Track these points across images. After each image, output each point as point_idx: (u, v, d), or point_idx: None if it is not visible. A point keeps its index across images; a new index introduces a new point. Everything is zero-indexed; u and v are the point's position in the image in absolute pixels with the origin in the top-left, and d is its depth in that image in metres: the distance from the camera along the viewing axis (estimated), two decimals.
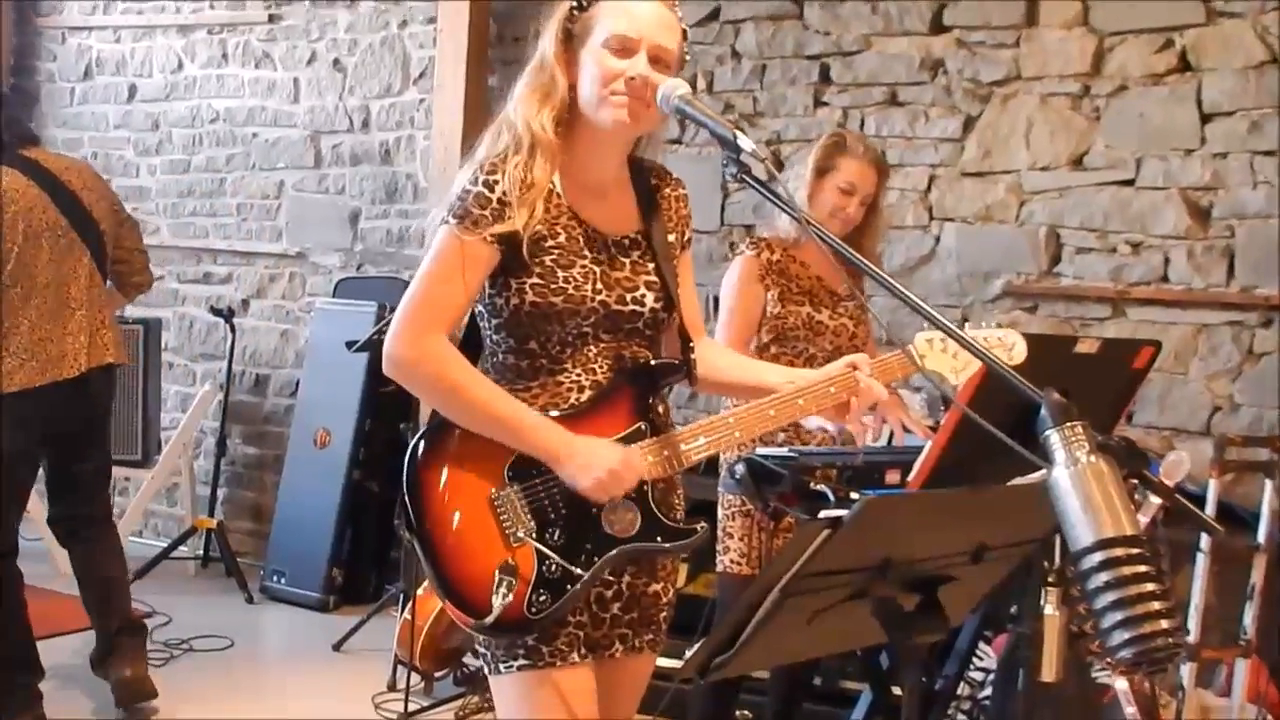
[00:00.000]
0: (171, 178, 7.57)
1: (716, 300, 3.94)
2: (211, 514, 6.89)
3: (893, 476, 3.26)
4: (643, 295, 2.43)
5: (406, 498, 2.36)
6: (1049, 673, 2.44)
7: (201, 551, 6.88)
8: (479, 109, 6.07)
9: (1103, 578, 1.62)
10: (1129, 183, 5.10)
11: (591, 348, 2.41)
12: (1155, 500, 3.26)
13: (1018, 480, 2.14)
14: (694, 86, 2.37)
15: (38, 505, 5.37)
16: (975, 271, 5.39)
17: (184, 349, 7.54)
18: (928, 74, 5.47)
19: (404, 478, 2.37)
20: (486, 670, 2.43)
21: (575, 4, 2.40)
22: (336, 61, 7.01)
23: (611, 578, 2.43)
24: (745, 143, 2.20)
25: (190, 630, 5.50)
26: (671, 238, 2.55)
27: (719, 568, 3.81)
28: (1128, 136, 5.09)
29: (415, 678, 4.83)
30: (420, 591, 4.78)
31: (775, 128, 5.78)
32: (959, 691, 3.88)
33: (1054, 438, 1.71)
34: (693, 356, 2.51)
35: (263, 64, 7.27)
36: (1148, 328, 4.99)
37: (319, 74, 7.07)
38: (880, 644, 3.16)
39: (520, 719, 2.39)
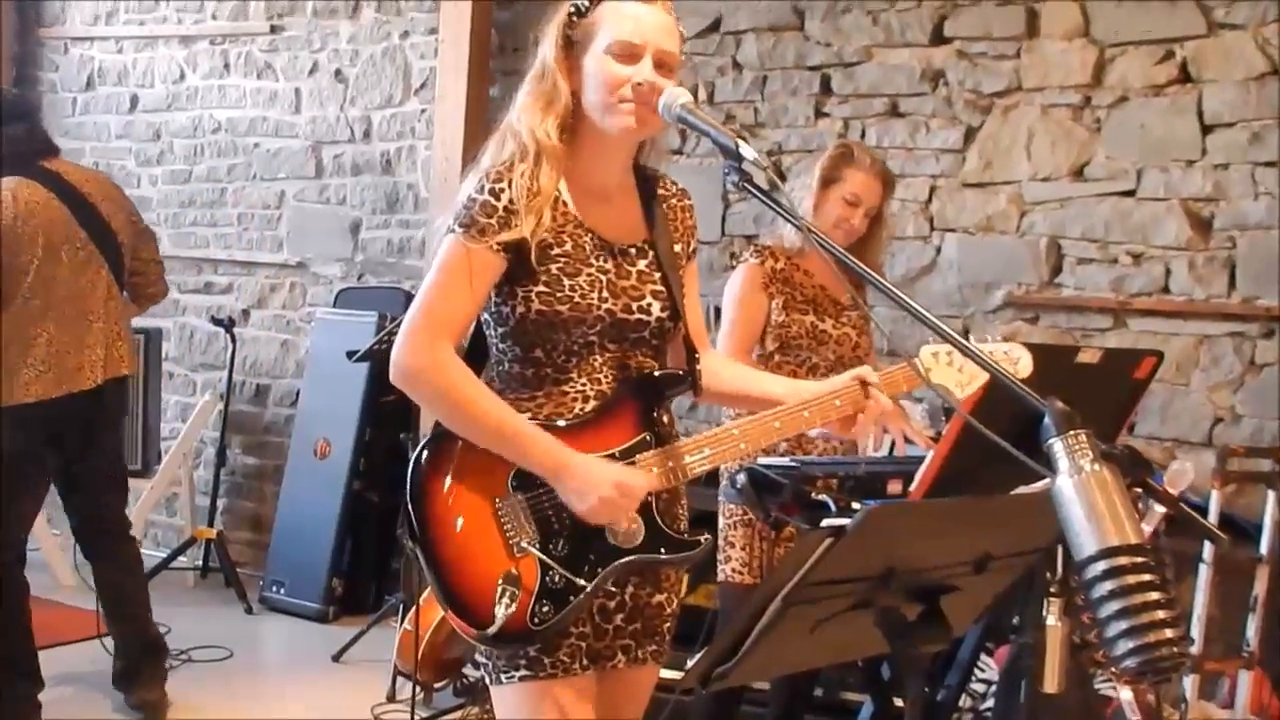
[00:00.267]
0: (173, 188, 7.57)
1: (718, 310, 3.94)
2: (211, 524, 6.87)
3: (894, 486, 3.25)
4: (649, 304, 2.43)
5: (410, 507, 2.35)
6: (1051, 684, 2.43)
7: (201, 562, 6.87)
8: (480, 119, 6.07)
9: (1107, 587, 1.62)
10: (1130, 193, 5.10)
11: (597, 357, 2.40)
12: (1159, 509, 3.25)
13: (1021, 489, 2.13)
14: (695, 97, 2.37)
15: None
16: (976, 282, 5.39)
17: (184, 359, 7.53)
18: (929, 85, 5.48)
19: (407, 486, 2.36)
20: (488, 680, 2.42)
21: (574, 9, 2.39)
22: (338, 72, 7.01)
23: (615, 589, 2.42)
24: (747, 151, 2.19)
25: (190, 641, 5.49)
26: (677, 247, 2.54)
27: (720, 577, 3.80)
28: (1129, 147, 5.09)
29: (416, 687, 4.81)
30: (420, 601, 4.76)
31: (776, 138, 5.78)
32: (961, 703, 3.87)
33: (1058, 446, 1.71)
34: (698, 367, 2.51)
35: (264, 74, 7.27)
36: (1149, 339, 4.99)
37: (320, 84, 7.07)
38: (882, 655, 3.15)
39: None
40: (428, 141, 6.62)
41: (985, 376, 2.10)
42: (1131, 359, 3.12)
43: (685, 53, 2.49)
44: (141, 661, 4.69)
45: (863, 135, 5.57)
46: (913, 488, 2.94)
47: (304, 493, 6.53)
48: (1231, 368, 4.93)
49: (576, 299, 2.35)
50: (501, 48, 6.37)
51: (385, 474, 6.39)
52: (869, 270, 2.15)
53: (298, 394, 6.92)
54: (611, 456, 2.36)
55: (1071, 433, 1.71)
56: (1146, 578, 1.62)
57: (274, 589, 6.46)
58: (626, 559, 2.34)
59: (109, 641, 4.83)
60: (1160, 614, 1.61)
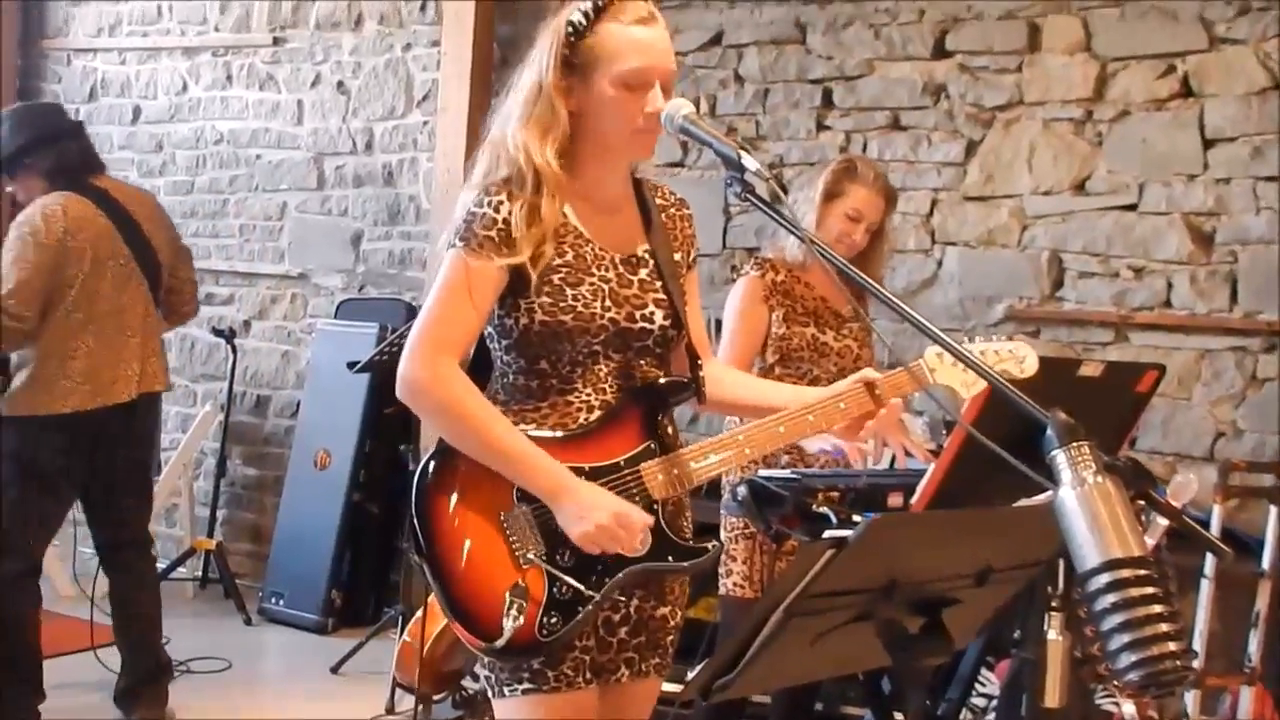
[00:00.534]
0: (175, 199, 7.55)
1: (718, 323, 3.93)
2: (211, 535, 6.87)
3: (895, 499, 3.25)
4: (652, 313, 2.42)
5: (415, 519, 2.35)
6: (1052, 699, 2.42)
7: (200, 573, 6.86)
8: (482, 132, 6.07)
9: (1110, 599, 1.61)
10: (1131, 207, 5.10)
11: (601, 366, 2.40)
12: (1162, 522, 3.24)
13: (1023, 501, 2.13)
14: (696, 109, 2.37)
15: None
16: (977, 296, 5.39)
17: (185, 369, 7.52)
18: (930, 98, 5.48)
19: (413, 499, 2.36)
20: (490, 693, 2.41)
21: (571, 29, 2.35)
22: (340, 84, 7.02)
23: (620, 600, 2.41)
24: (749, 162, 2.19)
25: (189, 652, 5.48)
26: (677, 256, 2.53)
27: (721, 591, 3.79)
28: (1130, 161, 5.09)
29: (414, 700, 4.80)
30: (420, 613, 4.75)
31: (778, 151, 5.79)
32: (961, 717, 3.86)
33: (1060, 458, 1.70)
34: (701, 375, 2.50)
35: (267, 86, 7.28)
36: (1150, 353, 4.99)
37: (323, 96, 7.08)
38: (883, 668, 3.14)
39: None
40: (429, 153, 6.62)
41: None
42: (1133, 373, 3.12)
43: (687, 66, 2.49)
44: (146, 682, 4.70)
45: (864, 149, 5.57)
46: (914, 500, 2.94)
47: (304, 504, 6.52)
48: (1233, 382, 4.92)
49: (579, 308, 2.35)
50: (504, 60, 6.36)
51: (385, 486, 6.39)
52: (870, 280, 2.14)
53: (298, 405, 6.92)
54: (616, 465, 2.36)
55: (1074, 444, 1.70)
56: (1149, 590, 1.61)
57: (273, 600, 6.45)
58: (634, 568, 2.34)
59: (105, 654, 4.83)
60: (1163, 627, 1.61)
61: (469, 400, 2.33)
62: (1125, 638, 1.60)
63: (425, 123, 6.72)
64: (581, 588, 2.29)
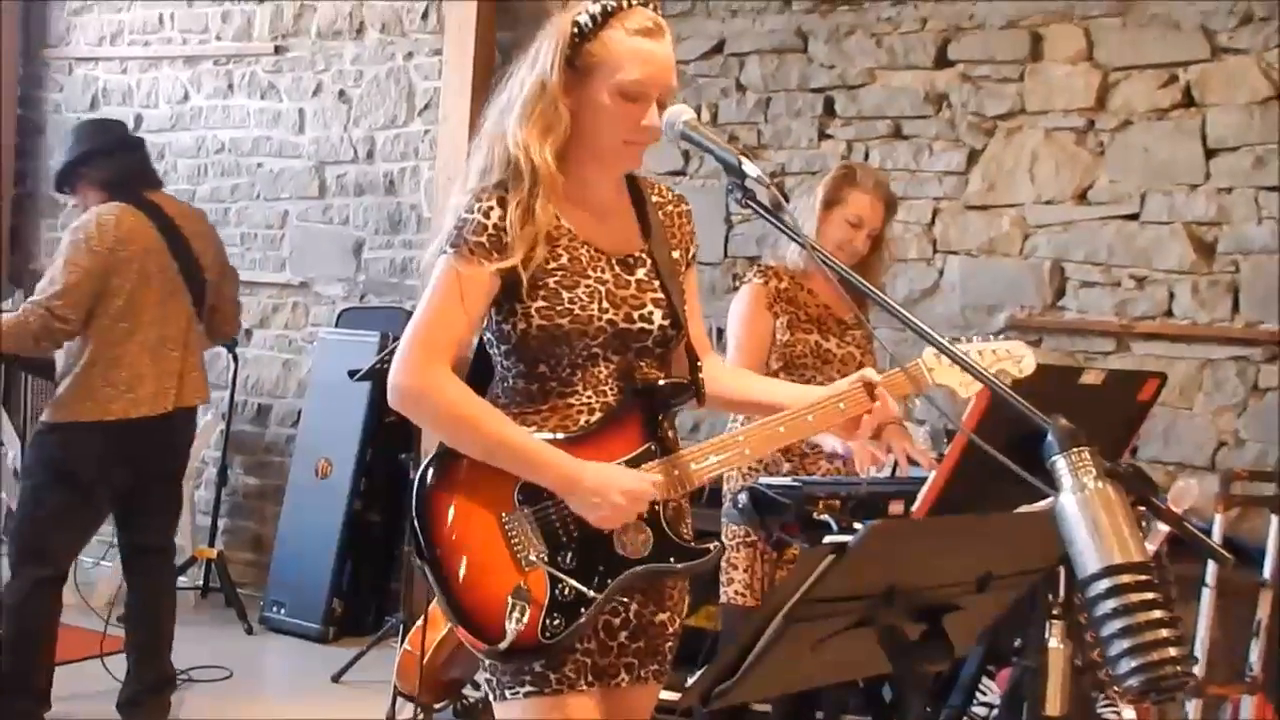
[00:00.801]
0: None
1: (720, 331, 3.93)
2: (212, 544, 6.86)
3: (896, 507, 3.25)
4: (650, 313, 2.41)
5: (416, 524, 2.34)
6: (1054, 707, 2.42)
7: (202, 581, 6.84)
8: (478, 122, 6.07)
9: (1110, 605, 1.60)
10: (1133, 217, 5.10)
11: (601, 368, 2.39)
12: (1162, 528, 3.24)
13: (1024, 508, 2.12)
14: (698, 118, 2.36)
15: None
16: (979, 305, 5.38)
17: None
18: (932, 107, 5.48)
19: (412, 504, 2.35)
20: (491, 697, 2.41)
21: (577, 29, 2.34)
22: (342, 93, 7.02)
23: (620, 605, 2.40)
24: (750, 168, 2.19)
25: (190, 660, 5.45)
26: (675, 254, 2.53)
27: (722, 599, 3.79)
28: (1132, 171, 5.09)
29: (414, 709, 4.80)
30: (421, 621, 4.74)
31: (779, 160, 5.79)
32: None
33: (1061, 463, 1.70)
34: (700, 375, 2.50)
35: (268, 95, 7.29)
36: (1152, 362, 4.98)
37: (324, 105, 7.09)
38: (883, 676, 3.14)
39: None
40: (431, 162, 6.62)
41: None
42: (1135, 381, 3.12)
43: (688, 74, 2.49)
44: (150, 692, 4.72)
45: (866, 157, 5.57)
46: (915, 508, 2.93)
47: (305, 513, 6.51)
48: (1235, 392, 4.92)
49: (577, 311, 2.34)
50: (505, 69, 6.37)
51: (386, 494, 6.38)
52: (871, 286, 2.14)
53: (299, 414, 6.91)
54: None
55: (1075, 449, 1.70)
56: (1150, 596, 1.61)
57: (274, 609, 6.44)
58: (636, 569, 2.34)
59: (108, 661, 4.83)
60: (1164, 632, 1.60)
61: (466, 403, 2.33)
62: (1126, 643, 1.60)
63: (427, 131, 6.73)
64: (584, 589, 2.29)
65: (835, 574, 1.81)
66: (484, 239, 2.31)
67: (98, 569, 6.50)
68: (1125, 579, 1.61)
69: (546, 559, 2.30)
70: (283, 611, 6.40)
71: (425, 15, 6.76)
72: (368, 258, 6.97)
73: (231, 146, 7.40)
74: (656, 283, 2.45)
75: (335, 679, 5.60)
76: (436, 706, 4.94)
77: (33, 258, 8.01)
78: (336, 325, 6.86)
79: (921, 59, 5.52)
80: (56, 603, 4.53)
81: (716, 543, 2.44)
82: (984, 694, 3.91)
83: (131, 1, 7.73)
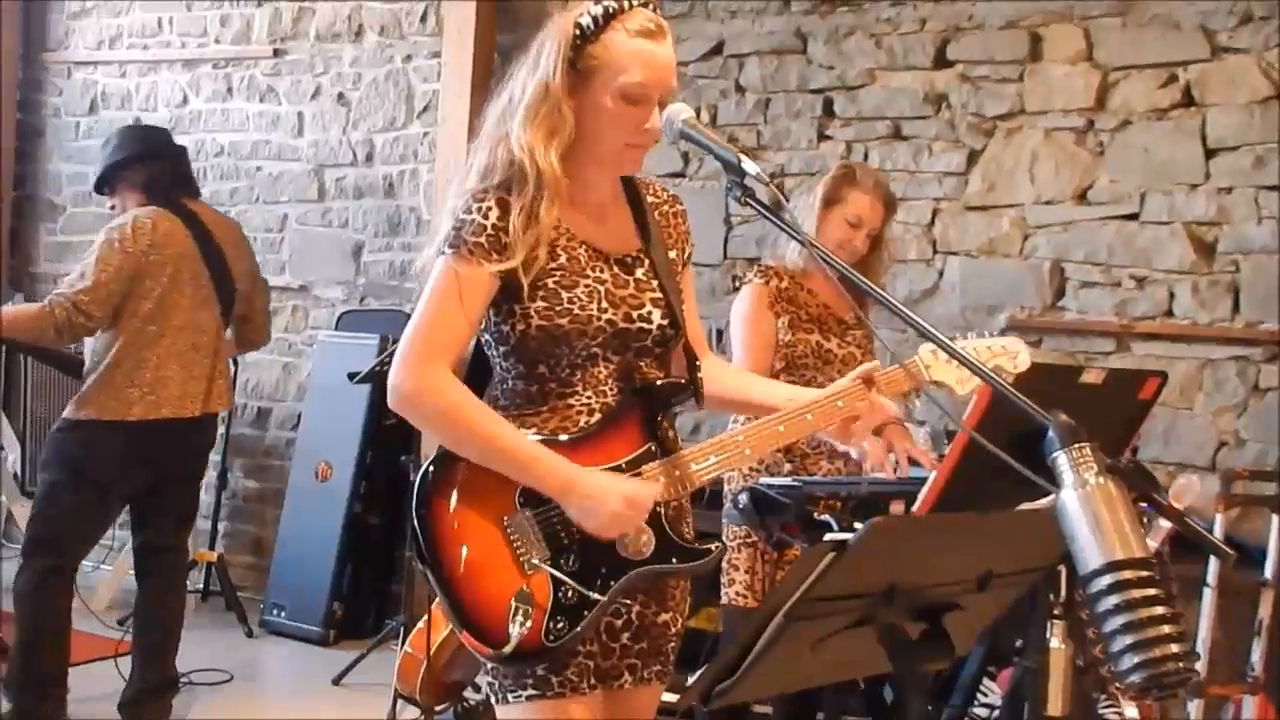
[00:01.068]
0: None
1: (720, 333, 3.92)
2: (212, 547, 6.84)
3: (897, 507, 3.23)
4: (649, 312, 2.41)
5: (417, 527, 2.33)
6: (1055, 707, 2.41)
7: (202, 585, 6.83)
8: (477, 124, 6.07)
9: (1112, 601, 1.60)
10: (1133, 217, 5.10)
11: (601, 369, 2.39)
12: (1164, 524, 3.24)
13: (1025, 506, 2.11)
14: (697, 118, 2.36)
15: None
16: (979, 305, 5.38)
17: None
18: (931, 108, 5.48)
19: (413, 507, 2.34)
20: (494, 699, 2.40)
21: (579, 31, 2.32)
22: (341, 96, 7.02)
23: (622, 606, 2.40)
24: (749, 166, 2.19)
25: (190, 664, 5.44)
26: (672, 254, 2.53)
27: (723, 600, 3.78)
28: (1132, 171, 5.09)
29: (415, 711, 4.79)
30: (421, 623, 4.74)
31: (779, 161, 5.79)
32: None
33: (1062, 459, 1.69)
34: (699, 375, 2.49)
35: (267, 98, 7.28)
36: (1152, 362, 4.98)
37: (323, 108, 7.08)
38: (884, 675, 3.13)
39: None
40: (430, 165, 6.62)
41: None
42: (1135, 380, 3.10)
43: (688, 76, 2.48)
44: (153, 693, 4.72)
45: (865, 158, 5.57)
46: (916, 507, 2.92)
47: (305, 516, 6.51)
48: (1235, 392, 4.91)
49: (576, 311, 2.34)
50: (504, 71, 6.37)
51: (386, 497, 6.38)
52: (871, 284, 2.14)
53: (299, 417, 6.91)
54: (617, 468, 2.34)
55: (1076, 445, 1.69)
56: (1151, 592, 1.61)
57: (275, 612, 6.43)
58: (639, 570, 2.33)
59: (101, 665, 4.83)
60: (1165, 629, 1.60)
61: (464, 405, 2.32)
62: (1128, 639, 1.59)
63: (426, 134, 6.73)
64: (587, 591, 2.28)
65: (835, 572, 1.81)
66: (483, 239, 2.31)
67: (98, 572, 6.50)
68: (1127, 575, 1.61)
69: (549, 561, 2.29)
70: (283, 614, 6.39)
71: (424, 17, 6.76)
72: (367, 260, 6.96)
73: (231, 150, 7.40)
74: (655, 282, 2.44)
75: (336, 682, 5.59)
76: (438, 709, 4.93)
77: (32, 261, 8.01)
78: (336, 328, 6.85)
79: (921, 59, 5.52)
80: (67, 595, 4.55)
81: (718, 543, 2.43)
82: (985, 694, 3.90)
83: (130, 5, 7.72)
